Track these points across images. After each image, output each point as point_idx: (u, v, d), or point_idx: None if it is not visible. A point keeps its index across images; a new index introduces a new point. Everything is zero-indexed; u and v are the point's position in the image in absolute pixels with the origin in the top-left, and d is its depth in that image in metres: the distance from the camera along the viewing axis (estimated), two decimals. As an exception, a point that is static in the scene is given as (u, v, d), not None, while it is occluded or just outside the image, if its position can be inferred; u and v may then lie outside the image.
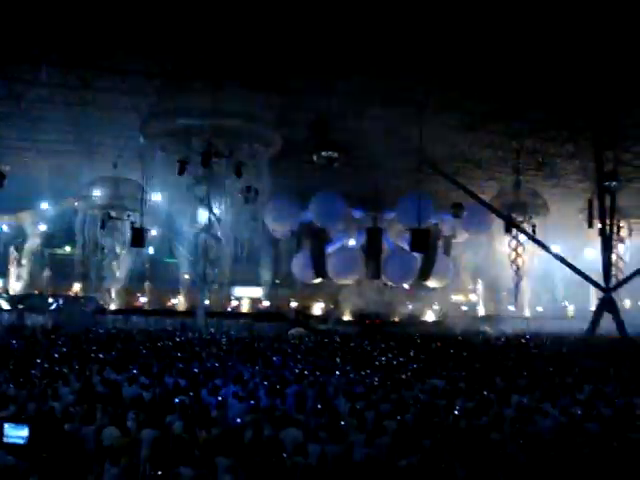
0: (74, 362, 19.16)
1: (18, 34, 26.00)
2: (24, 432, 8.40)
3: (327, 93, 30.44)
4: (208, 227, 34.46)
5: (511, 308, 52.32)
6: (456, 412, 13.09)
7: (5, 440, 8.52)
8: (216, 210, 34.71)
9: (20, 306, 39.29)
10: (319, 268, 46.21)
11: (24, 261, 48.56)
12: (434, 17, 23.48)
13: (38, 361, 18.88)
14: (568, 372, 19.80)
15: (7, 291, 44.64)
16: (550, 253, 40.83)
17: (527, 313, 53.57)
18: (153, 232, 38.34)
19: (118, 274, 45.88)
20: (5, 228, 49.96)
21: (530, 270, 50.40)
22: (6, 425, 8.70)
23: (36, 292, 44.93)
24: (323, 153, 32.46)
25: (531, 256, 48.64)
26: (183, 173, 32.32)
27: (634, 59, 25.79)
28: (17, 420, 9.02)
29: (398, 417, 12.42)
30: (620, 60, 25.89)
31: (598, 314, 35.42)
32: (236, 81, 29.66)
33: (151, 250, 44.73)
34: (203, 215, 35.09)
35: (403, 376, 18.28)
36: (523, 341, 33.95)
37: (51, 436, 8.30)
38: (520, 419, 12.42)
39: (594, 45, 24.69)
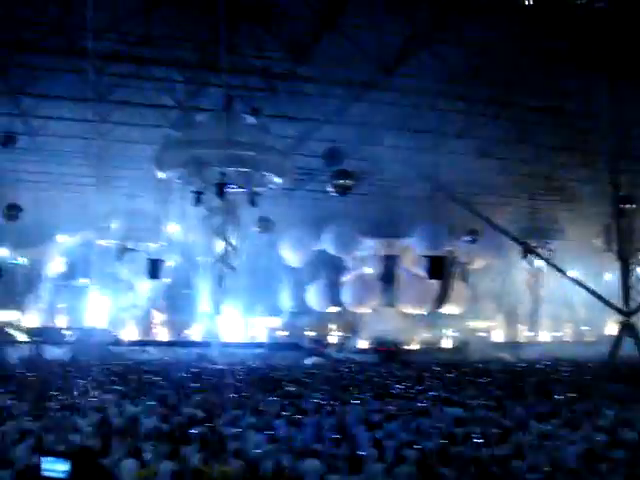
0: (90, 394, 19.14)
1: (34, 69, 26.33)
2: (65, 466, 8.37)
3: (341, 121, 30.56)
4: (224, 257, 34.49)
5: (530, 334, 51.87)
6: (476, 440, 12.92)
7: (44, 474, 8.50)
8: (232, 240, 34.77)
9: (36, 338, 39.34)
10: (334, 296, 46.12)
11: (41, 294, 48.69)
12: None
13: (55, 393, 18.87)
14: (589, 397, 19.55)
15: (24, 324, 44.73)
16: (567, 278, 40.53)
17: (546, 338, 53.08)
18: (169, 263, 38.39)
19: (134, 305, 45.95)
20: (22, 261, 50.18)
21: (549, 295, 50.09)
22: (44, 459, 8.68)
23: (52, 324, 45.00)
24: (337, 182, 32.49)
25: (548, 280, 48.39)
26: (198, 204, 32.44)
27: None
28: (57, 454, 8.98)
29: (418, 446, 12.27)
30: (634, 80, 25.85)
31: (619, 338, 35.03)
32: (248, 111, 29.84)
33: (167, 281, 44.74)
34: (219, 245, 35.16)
35: (421, 404, 18.12)
36: (542, 367, 33.59)
37: (91, 471, 8.24)
38: (541, 447, 12.24)
39: (607, 67, 24.68)
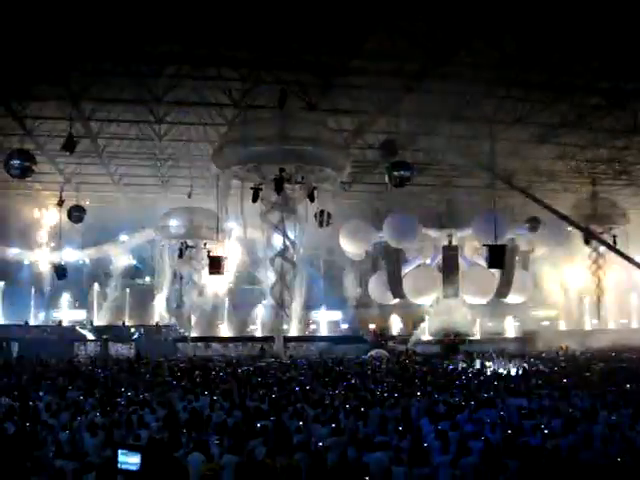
0: (157, 390, 19.50)
1: (90, 73, 26.83)
2: (136, 459, 8.58)
3: (396, 112, 30.43)
4: (283, 252, 34.69)
5: (594, 321, 50.92)
6: (542, 431, 12.78)
7: (119, 466, 8.74)
8: (291, 235, 34.94)
9: (104, 336, 40.19)
10: (396, 288, 45.98)
11: (107, 292, 49.75)
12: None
13: (123, 390, 19.28)
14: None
15: (91, 322, 45.73)
16: (632, 263, 39.64)
17: (611, 326, 52.07)
18: (231, 259, 38.79)
19: (197, 302, 46.57)
20: (87, 261, 51.33)
21: (613, 281, 49.13)
22: (120, 451, 8.92)
23: (119, 323, 45.88)
24: (395, 173, 32.33)
25: (612, 266, 47.47)
26: (257, 200, 32.67)
27: None
28: (130, 447, 9.22)
29: (482, 437, 12.18)
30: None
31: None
32: (303, 106, 29.90)
33: (230, 277, 45.25)
34: (278, 240, 35.37)
35: (485, 395, 18.00)
36: (610, 355, 33.00)
37: (162, 463, 8.45)
38: (610, 437, 12.04)
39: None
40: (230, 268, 39.24)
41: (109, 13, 21.62)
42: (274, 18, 22.94)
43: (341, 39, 24.42)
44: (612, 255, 43.55)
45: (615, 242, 43.94)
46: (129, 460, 8.59)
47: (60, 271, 40.02)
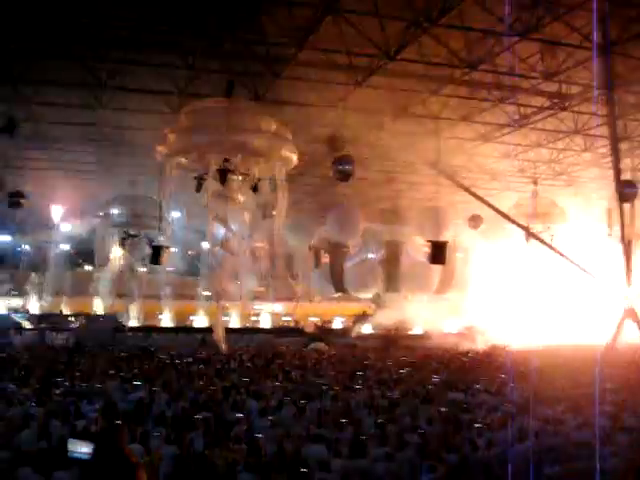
0: (95, 380, 19.25)
1: (36, 54, 26.26)
2: (88, 448, 8.47)
3: (343, 106, 30.53)
4: (225, 243, 34.48)
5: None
6: (478, 425, 12.97)
7: (70, 455, 8.61)
8: (233, 226, 34.73)
9: (41, 325, 39.48)
10: (338, 282, 46.19)
11: (44, 280, 48.86)
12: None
13: (60, 379, 18.97)
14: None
15: (28, 310, 44.88)
16: (570, 262, 40.47)
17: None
18: (171, 249, 38.40)
19: (137, 292, 46.08)
20: (26, 247, 50.32)
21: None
22: (70, 440, 8.80)
23: (56, 311, 45.15)
24: (339, 167, 32.39)
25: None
26: (200, 190, 32.39)
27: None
28: (81, 436, 9.10)
29: (420, 431, 12.33)
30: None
31: (620, 322, 35.06)
32: (250, 96, 29.77)
33: (170, 268, 44.83)
34: (221, 231, 35.14)
35: (423, 389, 18.19)
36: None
37: (113, 453, 8.32)
38: (544, 431, 12.28)
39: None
40: (171, 258, 38.86)
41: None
42: (223, 6, 22.78)
43: (290, 30, 24.38)
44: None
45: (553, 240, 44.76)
46: (80, 449, 8.46)
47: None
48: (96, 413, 13.83)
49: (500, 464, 10.67)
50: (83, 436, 9.20)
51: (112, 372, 21.65)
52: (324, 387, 18.13)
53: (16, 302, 48.41)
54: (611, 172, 32.88)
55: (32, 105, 31.64)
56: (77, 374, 20.72)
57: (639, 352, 30.41)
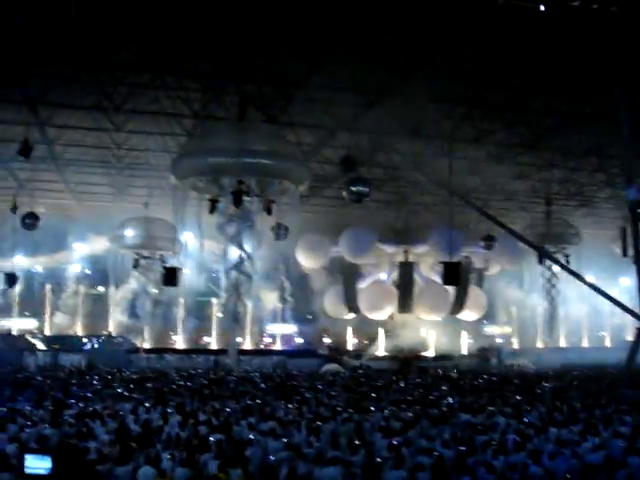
0: (108, 401, 19.24)
1: (52, 78, 26.53)
2: (47, 463, 8.37)
3: (355, 129, 30.65)
4: (239, 264, 34.48)
5: (547, 340, 51.65)
6: (493, 447, 12.86)
7: (27, 471, 8.50)
8: (247, 247, 34.77)
9: (55, 346, 39.59)
10: (351, 303, 46.10)
11: (59, 301, 49.05)
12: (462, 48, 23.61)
13: (73, 401, 18.97)
14: (608, 404, 19.43)
15: (42, 331, 45.01)
16: (584, 283, 40.28)
17: (563, 344, 52.84)
18: (186, 271, 38.46)
19: (151, 313, 46.13)
20: (40, 269, 50.54)
21: (566, 300, 49.92)
22: (28, 456, 8.69)
23: (70, 332, 45.29)
24: (353, 189, 32.47)
25: (565, 286, 48.17)
26: (214, 212, 32.50)
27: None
28: (39, 451, 8.99)
29: (435, 453, 12.23)
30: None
31: (636, 344, 34.73)
32: (264, 119, 29.94)
33: (184, 289, 44.90)
34: (234, 253, 35.17)
35: (437, 411, 18.07)
36: (561, 373, 33.42)
37: (74, 467, 8.24)
38: (560, 453, 12.17)
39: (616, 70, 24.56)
40: (185, 280, 38.92)
41: (70, 17, 21.36)
42: (236, 30, 22.95)
43: (303, 53, 24.53)
44: (565, 275, 44.23)
45: (568, 261, 44.62)
46: (38, 464, 8.38)
47: (10, 279, 39.33)
48: (109, 435, 13.80)
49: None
50: (42, 451, 9.08)
51: (126, 394, 21.64)
52: (338, 409, 18.05)
53: (30, 323, 48.55)
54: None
55: (47, 128, 31.93)
56: (90, 395, 20.71)
57: None
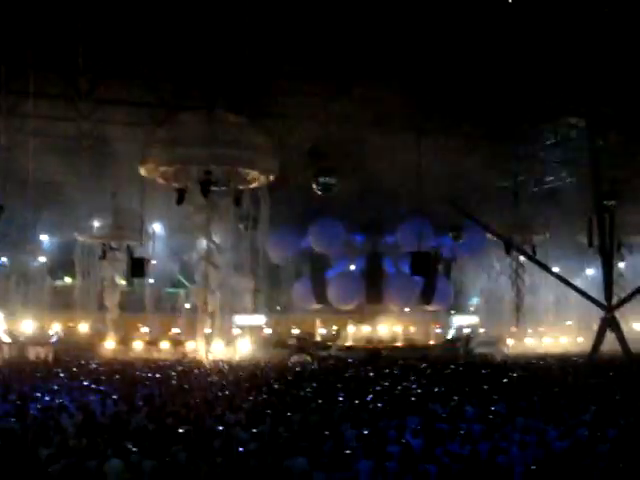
0: (75, 394, 19.06)
1: (16, 66, 26.19)
2: None
3: (325, 118, 30.63)
4: (207, 255, 34.34)
5: (513, 329, 52.06)
6: (461, 436, 12.95)
7: None
8: (215, 238, 34.62)
9: (21, 339, 39.16)
10: (320, 294, 46.12)
11: (25, 294, 48.38)
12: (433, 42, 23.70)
13: (39, 394, 18.76)
14: (573, 393, 19.64)
15: (7, 324, 44.42)
16: (550, 273, 40.73)
17: (530, 334, 53.32)
18: (153, 262, 38.20)
19: (118, 305, 45.73)
20: (5, 261, 49.81)
21: (533, 290, 50.36)
22: None
23: (38, 325, 44.78)
24: (321, 179, 32.49)
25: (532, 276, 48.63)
26: (182, 202, 32.32)
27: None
28: None
29: (403, 441, 12.29)
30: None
31: (600, 334, 35.22)
32: (232, 109, 29.80)
33: (151, 280, 44.53)
34: (202, 244, 35.01)
35: (406, 402, 18.15)
36: (526, 363, 33.73)
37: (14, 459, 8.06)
38: (526, 442, 12.28)
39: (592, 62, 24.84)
40: (153, 270, 38.67)
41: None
42: (207, 21, 22.85)
43: (272, 43, 24.48)
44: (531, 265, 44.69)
45: (535, 252, 45.01)
46: None
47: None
48: (75, 427, 13.68)
49: (483, 475, 10.66)
50: None
51: (93, 386, 21.44)
52: (306, 399, 18.06)
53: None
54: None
55: (12, 117, 31.46)
56: (56, 388, 20.50)
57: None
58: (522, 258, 47.57)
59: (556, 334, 52.61)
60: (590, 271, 47.88)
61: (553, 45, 23.57)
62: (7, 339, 40.27)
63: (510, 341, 47.46)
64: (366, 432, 13.11)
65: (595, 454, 11.56)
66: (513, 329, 51.98)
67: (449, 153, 35.62)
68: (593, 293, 37.17)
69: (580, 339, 47.60)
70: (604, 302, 35.49)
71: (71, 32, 23.46)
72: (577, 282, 40.41)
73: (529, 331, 52.79)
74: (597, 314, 36.59)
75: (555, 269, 42.65)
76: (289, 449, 11.71)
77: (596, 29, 23.11)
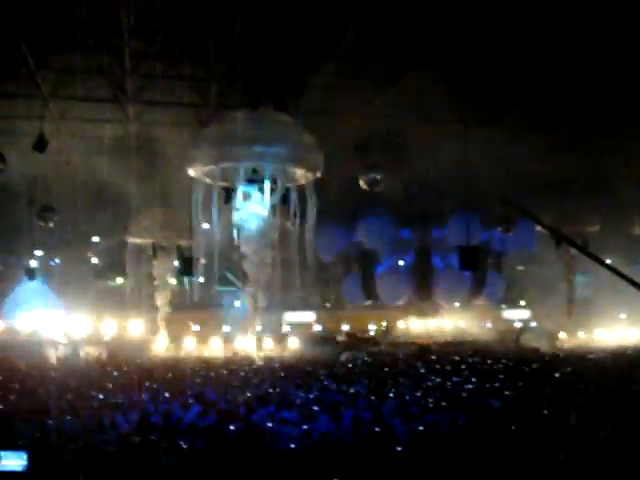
0: (129, 392, 19.32)
1: (65, 70, 26.64)
2: (21, 459, 8.22)
3: (370, 113, 30.54)
4: (256, 253, 34.49)
5: (566, 323, 51.28)
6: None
7: (1, 468, 8.34)
8: (265, 235, 34.77)
9: (74, 339, 39.79)
10: (369, 290, 46.06)
11: (77, 294, 49.14)
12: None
13: (93, 393, 19.07)
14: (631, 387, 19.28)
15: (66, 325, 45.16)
16: (602, 265, 39.98)
17: (583, 327, 52.48)
18: (202, 261, 38.49)
19: (169, 304, 46.21)
20: (57, 262, 50.69)
21: (587, 283, 49.59)
22: (2, 453, 8.54)
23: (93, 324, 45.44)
24: (368, 175, 32.39)
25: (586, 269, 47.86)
26: (230, 201, 32.55)
27: None
28: (14, 447, 8.78)
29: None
30: None
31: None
32: (276, 107, 29.91)
33: (201, 279, 44.89)
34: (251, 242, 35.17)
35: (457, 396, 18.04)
36: (578, 357, 33.24)
37: (51, 463, 8.13)
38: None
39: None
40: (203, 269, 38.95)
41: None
42: (249, 18, 22.93)
43: (315, 40, 24.49)
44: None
45: (587, 244, 44.27)
46: (12, 462, 8.22)
47: (29, 272, 39.55)
48: (130, 426, 13.85)
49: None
50: (17, 446, 8.85)
51: (147, 384, 21.70)
52: (358, 395, 18.08)
53: (46, 316, 48.70)
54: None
55: (62, 121, 32.03)
56: (110, 386, 20.81)
57: None
58: (574, 250, 46.81)
59: (610, 327, 51.67)
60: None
61: (606, 30, 23.14)
62: (63, 339, 40.99)
63: (563, 334, 46.65)
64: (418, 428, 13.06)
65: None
66: (565, 322, 51.24)
67: (497, 144, 35.25)
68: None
69: (635, 332, 46.69)
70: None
71: (116, 35, 23.77)
72: (631, 274, 39.54)
73: (582, 324, 51.95)
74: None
75: (607, 261, 41.86)
76: (338, 445, 11.73)
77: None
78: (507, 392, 18.38)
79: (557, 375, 23.71)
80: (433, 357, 34.14)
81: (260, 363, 31.61)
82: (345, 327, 50.15)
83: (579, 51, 24.96)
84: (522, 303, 52.67)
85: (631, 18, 22.28)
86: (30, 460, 7.97)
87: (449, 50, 24.99)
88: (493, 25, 23.24)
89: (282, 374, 25.63)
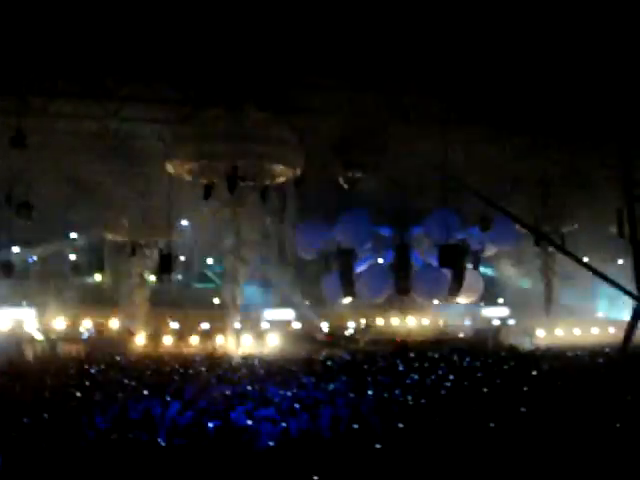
0: (107, 390, 19.25)
1: (44, 66, 26.44)
2: None
3: (348, 112, 30.54)
4: (235, 250, 34.49)
5: (543, 321, 51.61)
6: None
7: None
8: (243, 233, 34.76)
9: (52, 336, 39.56)
10: (348, 287, 46.05)
11: (55, 291, 48.81)
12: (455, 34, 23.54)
13: (72, 391, 18.98)
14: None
15: (39, 321, 44.83)
16: (580, 264, 40.31)
17: (561, 325, 52.84)
18: (181, 258, 38.50)
19: (148, 301, 46.05)
20: (35, 259, 50.30)
21: (564, 281, 49.92)
22: None
23: (68, 321, 45.18)
24: (348, 174, 32.42)
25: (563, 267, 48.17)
26: (209, 197, 32.49)
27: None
28: None
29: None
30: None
31: (631, 324, 34.84)
32: (258, 104, 29.86)
33: (179, 276, 44.84)
34: (230, 239, 35.16)
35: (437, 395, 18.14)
36: (555, 355, 33.52)
37: (26, 463, 8.07)
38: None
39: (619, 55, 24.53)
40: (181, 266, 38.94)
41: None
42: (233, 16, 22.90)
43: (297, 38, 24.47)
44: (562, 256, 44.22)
45: (564, 242, 44.53)
46: None
47: (6, 268, 39.23)
48: (108, 424, 13.81)
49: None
50: None
51: (125, 382, 21.65)
52: (337, 393, 18.11)
53: (27, 313, 48.32)
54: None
55: (41, 117, 31.75)
56: (88, 384, 20.72)
57: None
58: (552, 249, 47.10)
59: (587, 325, 52.09)
60: (620, 261, 47.29)
61: (585, 33, 23.30)
62: (39, 336, 40.72)
63: (540, 332, 46.95)
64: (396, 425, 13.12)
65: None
66: (543, 320, 51.56)
67: (476, 144, 35.39)
68: (624, 283, 36.74)
69: (612, 330, 47.11)
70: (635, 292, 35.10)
71: (96, 32, 23.58)
72: (607, 272, 39.84)
73: (559, 322, 52.31)
74: (629, 305, 36.20)
75: (585, 259, 42.20)
76: (317, 443, 11.75)
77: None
78: (485, 389, 18.51)
79: (535, 372, 23.91)
80: (412, 355, 34.27)
81: (239, 360, 31.61)
82: (324, 325, 50.21)
83: (555, 51, 25.07)
84: (500, 301, 52.96)
85: (610, 17, 22.42)
86: (2, 460, 7.93)
87: (428, 49, 25.00)
88: (471, 23, 23.29)
89: (261, 371, 25.66)
